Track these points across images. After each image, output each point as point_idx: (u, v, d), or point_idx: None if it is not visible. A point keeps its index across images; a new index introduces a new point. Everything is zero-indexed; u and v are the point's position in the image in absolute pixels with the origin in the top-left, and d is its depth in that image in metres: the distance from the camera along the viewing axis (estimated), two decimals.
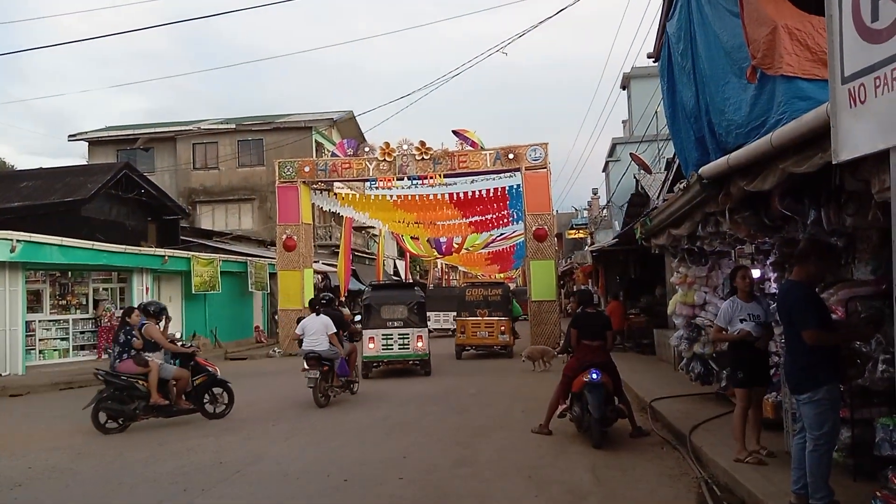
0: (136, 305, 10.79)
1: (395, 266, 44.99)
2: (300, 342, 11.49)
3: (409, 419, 9.64)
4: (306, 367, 10.88)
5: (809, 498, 4.59)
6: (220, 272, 22.12)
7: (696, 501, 5.58)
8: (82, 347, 17.70)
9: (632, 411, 8.20)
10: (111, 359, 9.91)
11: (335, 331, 11.34)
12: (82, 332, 17.79)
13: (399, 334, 14.78)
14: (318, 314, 11.46)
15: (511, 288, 25.49)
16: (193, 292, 20.96)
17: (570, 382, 8.01)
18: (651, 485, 6.09)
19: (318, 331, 11.21)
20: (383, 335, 14.75)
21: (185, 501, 5.99)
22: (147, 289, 19.09)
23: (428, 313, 17.05)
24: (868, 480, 4.84)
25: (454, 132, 21.62)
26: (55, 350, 17.08)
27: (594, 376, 7.60)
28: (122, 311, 11.75)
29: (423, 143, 21.35)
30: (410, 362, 14.90)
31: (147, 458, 7.72)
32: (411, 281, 29.88)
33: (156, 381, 9.42)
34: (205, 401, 10.09)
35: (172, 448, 8.20)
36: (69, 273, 17.47)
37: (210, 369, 10.18)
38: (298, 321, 12.09)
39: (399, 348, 14.74)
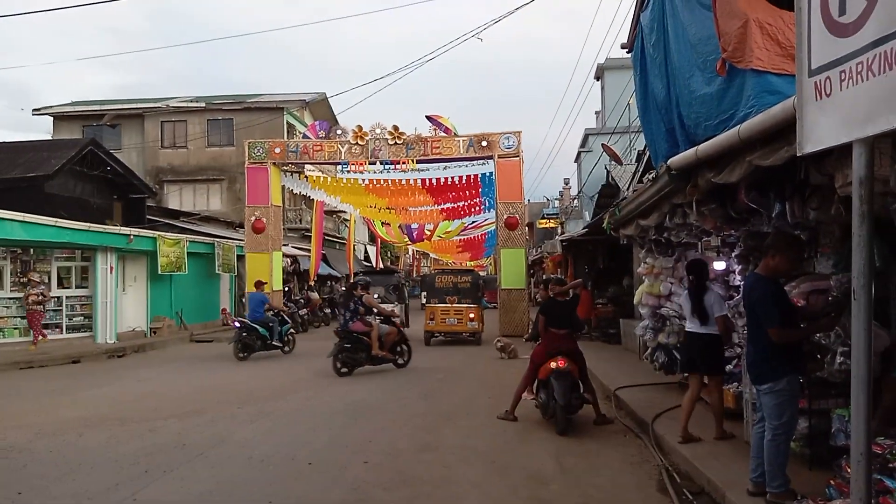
0: (356, 282, 14.29)
1: (367, 251, 44.82)
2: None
3: (375, 404, 9.62)
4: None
5: (767, 486, 4.68)
6: (187, 253, 21.78)
7: (656, 488, 5.66)
8: (44, 326, 17.32)
9: (596, 399, 8.29)
10: (342, 321, 12.88)
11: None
12: (43, 311, 17.40)
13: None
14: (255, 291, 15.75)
15: (481, 276, 25.54)
16: (159, 273, 20.61)
17: (537, 369, 8.08)
18: (613, 471, 6.17)
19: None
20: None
21: (145, 483, 5.92)
22: (111, 268, 18.72)
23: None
24: (823, 469, 4.95)
25: (428, 117, 21.53)
26: (15, 329, 16.67)
27: (561, 364, 7.68)
28: (345, 286, 16.47)
29: (396, 128, 21.23)
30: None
31: (108, 438, 7.61)
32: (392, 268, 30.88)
33: (377, 337, 12.62)
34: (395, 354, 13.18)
35: (134, 429, 8.09)
36: (31, 250, 17.07)
37: (401, 329, 13.51)
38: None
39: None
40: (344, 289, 15.18)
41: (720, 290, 7.63)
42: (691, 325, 6.78)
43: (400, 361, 13.27)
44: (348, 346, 12.52)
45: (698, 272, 6.90)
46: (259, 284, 17.05)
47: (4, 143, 24.50)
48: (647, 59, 7.57)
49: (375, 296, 16.97)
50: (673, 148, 6.67)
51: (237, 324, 15.83)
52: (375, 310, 13.25)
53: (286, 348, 16.24)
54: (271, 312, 16.11)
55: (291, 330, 16.81)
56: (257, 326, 15.53)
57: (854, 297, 2.90)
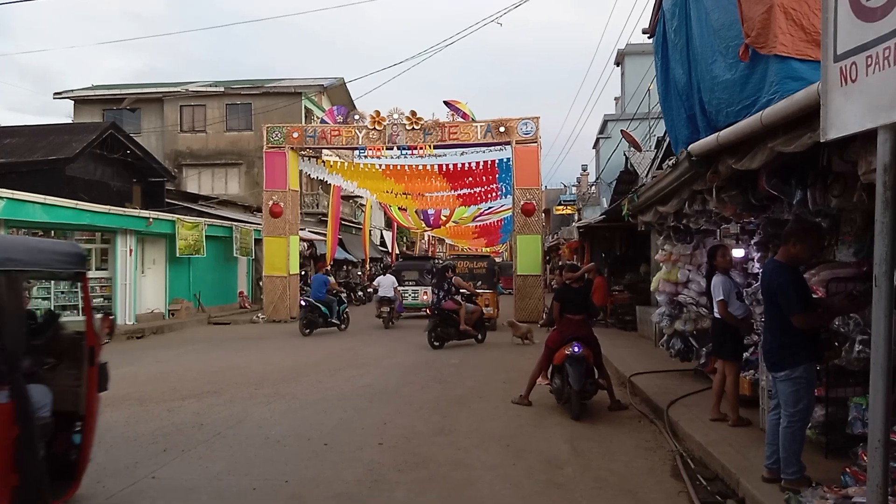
0: (446, 265, 16.49)
1: (382, 237, 44.93)
2: (376, 290, 19.60)
3: (390, 388, 9.69)
4: (380, 307, 18.59)
5: (781, 473, 4.68)
6: (205, 236, 21.96)
7: (670, 474, 5.67)
8: (63, 308, 17.55)
9: (611, 385, 8.30)
10: (435, 300, 14.62)
11: (397, 285, 19.43)
12: (63, 293, 17.64)
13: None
14: (385, 274, 20.22)
15: (497, 262, 25.54)
16: (178, 255, 20.81)
17: (551, 355, 8.09)
18: (627, 457, 6.18)
19: (387, 285, 18.95)
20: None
21: (164, 462, 6.02)
22: (131, 250, 18.92)
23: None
24: (839, 457, 4.94)
25: (446, 103, 21.45)
26: (37, 310, 16.91)
27: (576, 349, 7.69)
28: (436, 269, 17.65)
29: (413, 113, 21.18)
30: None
31: (127, 418, 7.73)
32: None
33: (464, 315, 14.29)
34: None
35: (153, 409, 8.22)
36: (52, 232, 17.27)
37: (482, 309, 15.36)
38: (373, 279, 24.16)
39: None
40: (436, 270, 17.18)
41: (737, 277, 7.60)
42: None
43: (479, 337, 14.90)
44: (441, 321, 14.18)
45: (709, 255, 7.10)
46: (321, 267, 19.87)
47: (26, 126, 24.74)
48: (668, 45, 7.49)
49: (411, 280, 20.74)
50: (693, 134, 6.62)
51: (303, 303, 17.55)
52: (463, 290, 14.90)
53: (342, 326, 17.98)
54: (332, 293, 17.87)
55: (347, 309, 18.55)
56: (320, 305, 17.24)
57: (875, 283, 2.87)
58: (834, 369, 5.14)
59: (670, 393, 8.20)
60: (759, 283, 6.21)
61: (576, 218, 34.90)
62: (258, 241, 24.19)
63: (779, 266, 4.85)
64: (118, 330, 17.09)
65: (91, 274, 18.22)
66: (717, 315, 6.80)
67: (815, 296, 5.01)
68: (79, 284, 6.41)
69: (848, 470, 4.36)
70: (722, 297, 6.66)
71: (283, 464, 5.96)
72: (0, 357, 3.86)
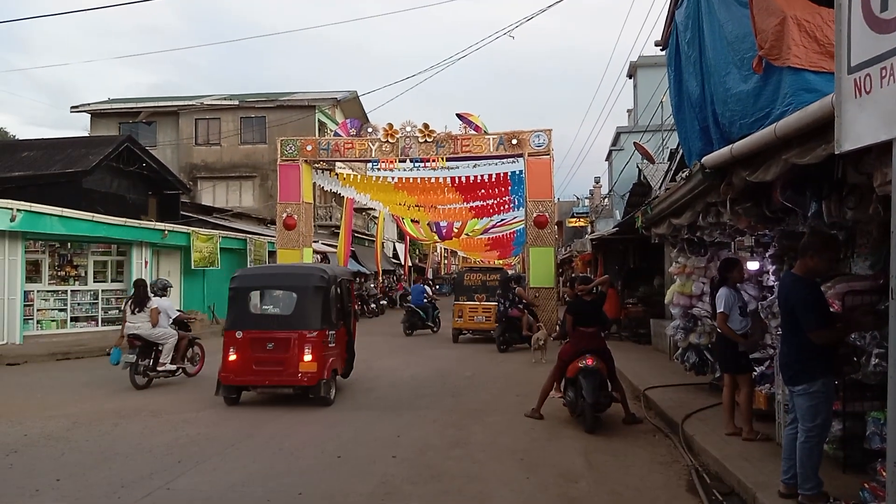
0: (511, 277, 18.38)
1: (395, 249, 44.98)
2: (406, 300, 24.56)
3: (403, 401, 9.68)
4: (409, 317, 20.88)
5: (799, 488, 4.63)
6: (220, 248, 22.10)
7: (685, 488, 5.63)
8: (80, 319, 17.71)
9: (625, 397, 8.25)
10: (502, 307, 16.22)
11: (429, 293, 21.87)
12: (80, 304, 17.80)
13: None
14: (415, 283, 23.51)
15: (510, 274, 25.51)
16: (192, 268, 20.95)
17: (564, 367, 8.06)
18: (642, 471, 6.13)
19: (419, 292, 21.48)
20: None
21: (178, 473, 6.04)
22: (146, 262, 19.09)
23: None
24: (857, 472, 4.88)
25: (458, 115, 21.50)
26: (52, 321, 17.10)
27: (589, 362, 7.66)
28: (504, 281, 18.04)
29: (426, 126, 21.25)
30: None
31: (143, 429, 7.77)
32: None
33: (527, 322, 15.91)
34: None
35: (168, 420, 8.25)
36: (69, 244, 17.46)
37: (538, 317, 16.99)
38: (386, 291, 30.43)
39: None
40: (501, 281, 17.91)
41: (752, 290, 7.56)
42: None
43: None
44: (507, 328, 15.97)
45: (721, 268, 7.10)
46: (419, 278, 24.40)
47: (44, 139, 25.05)
48: (681, 57, 7.50)
49: (425, 291, 22.09)
50: (707, 146, 6.61)
51: (406, 308, 21.74)
52: (524, 300, 16.68)
53: (435, 328, 21.11)
54: (428, 300, 21.28)
55: (439, 313, 21.55)
56: (419, 310, 20.78)
57: (892, 296, 2.85)
58: (851, 383, 5.09)
59: (685, 407, 8.13)
60: (774, 295, 6.17)
61: (589, 230, 34.81)
62: (272, 254, 24.29)
63: (797, 280, 4.81)
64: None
65: (107, 286, 18.42)
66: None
67: (832, 309, 4.97)
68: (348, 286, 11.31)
69: (866, 486, 4.31)
70: (722, 310, 6.63)
71: (296, 476, 5.96)
72: (326, 313, 9.55)
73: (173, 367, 11.15)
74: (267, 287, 10.61)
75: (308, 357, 9.10)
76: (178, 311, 12.43)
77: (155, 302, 11.06)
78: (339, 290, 10.20)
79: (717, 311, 6.69)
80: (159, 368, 10.93)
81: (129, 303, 11.10)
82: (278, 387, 9.43)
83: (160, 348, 10.98)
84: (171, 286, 12.14)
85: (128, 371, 10.51)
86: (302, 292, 9.54)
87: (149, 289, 11.27)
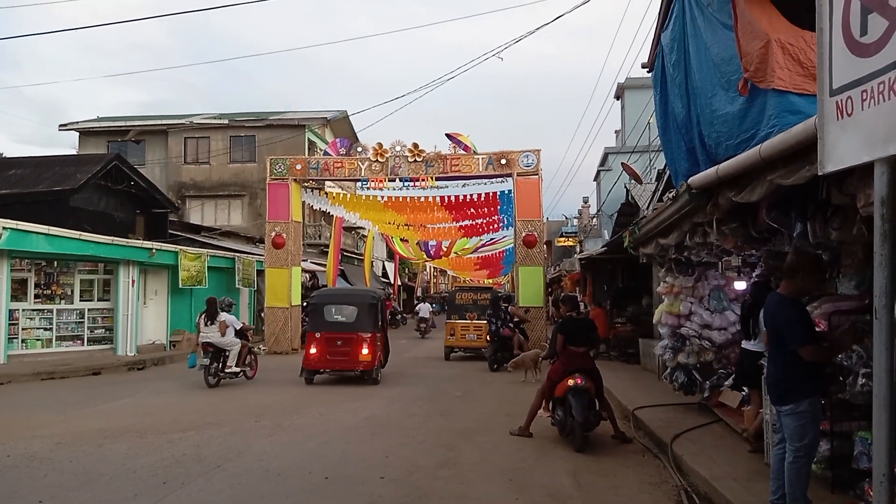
0: (503, 296, 18.64)
1: (384, 268, 44.92)
2: (417, 313, 29.88)
3: (392, 420, 9.62)
4: (419, 324, 27.28)
5: None
6: (208, 267, 21.98)
7: None
8: (65, 338, 17.53)
9: (613, 415, 8.24)
10: (493, 327, 16.38)
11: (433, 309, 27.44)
12: (66, 323, 17.62)
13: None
14: (423, 301, 31.08)
15: (499, 293, 25.56)
16: (180, 286, 20.81)
17: (553, 386, 8.05)
18: (631, 491, 6.11)
19: (425, 309, 27.98)
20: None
21: (163, 495, 5.96)
22: (133, 281, 18.94)
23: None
24: (845, 492, 4.89)
25: (447, 135, 21.63)
26: (38, 340, 16.90)
27: (579, 381, 7.66)
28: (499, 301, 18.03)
29: (415, 146, 21.34)
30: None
31: (127, 450, 7.68)
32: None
33: (518, 341, 16.34)
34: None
35: (153, 441, 8.16)
36: (55, 263, 17.32)
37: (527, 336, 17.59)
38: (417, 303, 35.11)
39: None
40: (492, 300, 17.88)
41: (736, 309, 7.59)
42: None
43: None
44: (499, 347, 16.15)
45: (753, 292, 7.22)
46: (424, 297, 29.60)
47: (32, 157, 24.94)
48: (667, 79, 7.59)
49: (429, 308, 25.77)
50: (693, 167, 6.68)
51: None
52: (517, 318, 17.03)
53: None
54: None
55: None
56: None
57: (875, 316, 2.88)
58: (838, 403, 5.10)
59: (674, 427, 8.13)
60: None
61: (577, 250, 34.92)
62: (260, 273, 24.19)
63: (782, 299, 4.84)
64: (118, 361, 17.07)
65: (93, 305, 18.27)
66: (747, 347, 6.86)
67: (817, 329, 5.00)
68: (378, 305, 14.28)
69: None
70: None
71: (283, 498, 5.90)
72: (376, 321, 13.79)
73: (237, 369, 13.39)
74: (336, 303, 14.38)
75: (365, 351, 13.21)
76: (242, 323, 14.50)
77: (223, 316, 13.26)
78: (381, 306, 14.19)
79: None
80: (227, 370, 13.14)
81: (203, 316, 13.38)
82: (345, 371, 13.52)
83: (227, 354, 13.18)
84: (234, 304, 14.38)
85: (201, 373, 12.81)
86: (361, 307, 13.85)
87: (218, 305, 13.44)
